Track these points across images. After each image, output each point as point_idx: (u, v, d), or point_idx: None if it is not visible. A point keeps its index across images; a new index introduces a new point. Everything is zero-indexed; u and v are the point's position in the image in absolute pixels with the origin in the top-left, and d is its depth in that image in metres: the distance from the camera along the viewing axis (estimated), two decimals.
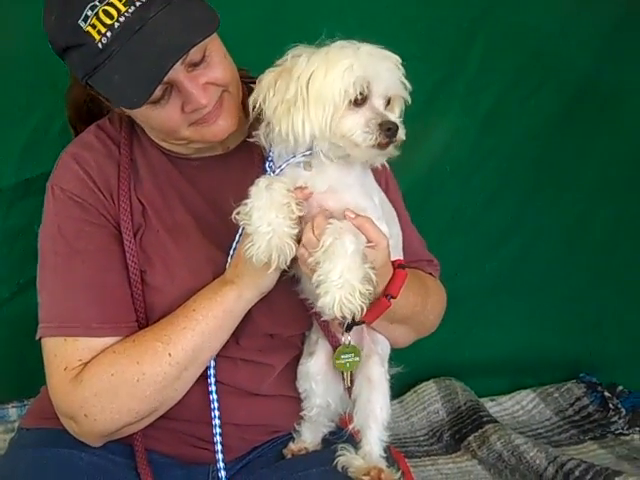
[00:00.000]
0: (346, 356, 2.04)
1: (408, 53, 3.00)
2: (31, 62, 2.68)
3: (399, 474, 2.00)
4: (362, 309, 1.72)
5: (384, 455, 2.03)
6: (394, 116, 1.81)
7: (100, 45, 1.80)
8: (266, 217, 1.77)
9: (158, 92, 1.87)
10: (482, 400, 3.49)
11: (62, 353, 1.97)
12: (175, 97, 1.91)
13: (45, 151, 2.73)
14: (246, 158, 2.10)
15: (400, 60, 1.82)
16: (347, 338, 2.02)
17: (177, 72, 1.86)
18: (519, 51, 3.25)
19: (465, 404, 3.40)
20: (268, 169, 1.93)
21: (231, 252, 1.97)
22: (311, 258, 1.76)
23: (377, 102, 1.78)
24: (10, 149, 2.78)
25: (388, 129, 1.76)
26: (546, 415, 3.55)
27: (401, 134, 1.78)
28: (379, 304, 1.92)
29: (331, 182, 1.86)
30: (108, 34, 1.80)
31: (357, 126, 1.77)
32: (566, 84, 3.35)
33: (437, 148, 3.30)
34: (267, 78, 1.84)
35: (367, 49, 1.79)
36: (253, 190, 1.81)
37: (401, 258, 2.10)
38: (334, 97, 1.76)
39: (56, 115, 2.75)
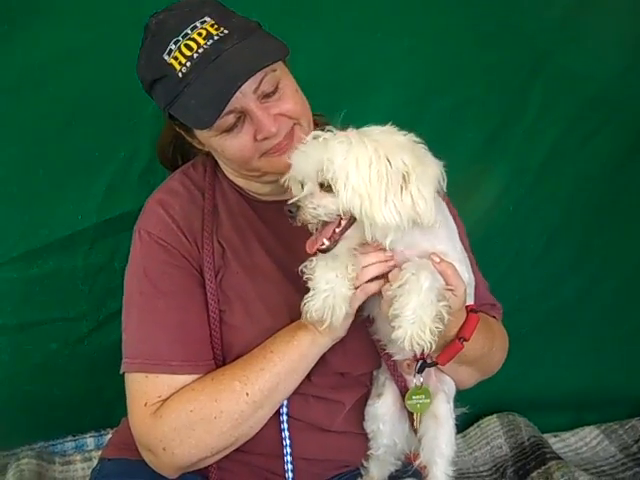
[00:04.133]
0: (417, 397, 2.10)
1: (467, 97, 3.15)
2: (114, 108, 2.79)
3: None
4: (431, 345, 1.79)
5: None
6: (307, 196, 1.86)
7: (180, 74, 1.97)
8: (326, 276, 1.87)
9: (231, 120, 2.01)
10: (545, 436, 3.47)
11: (143, 389, 2.07)
12: (248, 126, 2.03)
13: (125, 193, 2.87)
14: None
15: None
16: (419, 380, 2.08)
17: (249, 101, 2.00)
18: (578, 96, 3.26)
19: (528, 440, 3.37)
20: None
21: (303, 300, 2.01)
22: (389, 292, 1.84)
23: (310, 188, 1.86)
24: (93, 191, 2.87)
25: (288, 210, 1.87)
26: (610, 452, 3.49)
27: (303, 214, 1.85)
28: (452, 346, 1.99)
29: (408, 241, 1.91)
30: (188, 64, 1.96)
31: None
32: (624, 128, 3.35)
33: (498, 188, 3.31)
34: None
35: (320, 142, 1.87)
36: None
37: (472, 302, 2.16)
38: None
39: (136, 159, 2.87)
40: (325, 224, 1.87)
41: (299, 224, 1.85)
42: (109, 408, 2.67)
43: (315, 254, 1.91)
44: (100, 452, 2.53)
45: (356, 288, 1.91)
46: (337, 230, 1.86)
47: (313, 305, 1.87)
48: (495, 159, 3.30)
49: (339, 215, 1.84)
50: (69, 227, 2.89)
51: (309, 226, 1.90)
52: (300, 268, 1.92)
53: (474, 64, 3.16)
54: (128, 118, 2.84)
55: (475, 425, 3.53)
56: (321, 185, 1.85)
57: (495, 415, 3.53)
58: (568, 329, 3.56)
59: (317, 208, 1.83)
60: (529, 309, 3.46)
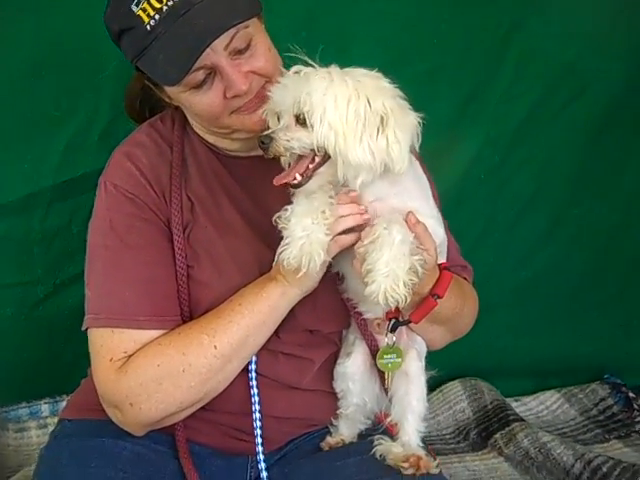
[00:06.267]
0: (389, 356, 2.07)
1: (442, 62, 3.13)
2: (73, 66, 2.71)
3: (436, 462, 2.03)
4: (405, 299, 1.77)
5: (422, 445, 2.07)
6: (281, 128, 1.86)
7: (148, 27, 1.91)
8: (302, 222, 1.84)
9: (200, 76, 1.97)
10: (507, 400, 3.49)
11: (108, 344, 2.02)
12: (218, 83, 1.99)
13: (84, 154, 2.81)
14: None
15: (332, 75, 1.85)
16: (392, 339, 2.06)
17: (220, 58, 1.95)
18: (554, 61, 3.25)
19: (491, 403, 3.40)
20: None
21: (278, 249, 1.98)
22: (362, 248, 1.82)
23: (286, 120, 1.85)
24: (50, 151, 2.80)
25: (261, 141, 1.86)
26: (570, 415, 3.54)
27: (276, 145, 1.84)
28: (426, 303, 1.99)
29: (377, 192, 1.92)
30: (156, 17, 1.90)
31: None
32: (601, 94, 3.35)
33: (471, 155, 3.30)
34: None
35: (302, 73, 1.86)
36: (296, 197, 1.90)
37: (445, 261, 2.15)
38: None
39: (96, 119, 2.80)
40: (299, 159, 1.86)
41: (270, 156, 1.84)
42: (65, 374, 2.62)
43: (288, 197, 1.90)
44: (56, 418, 2.50)
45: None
46: (310, 166, 1.85)
47: (290, 252, 1.83)
48: (469, 125, 3.29)
49: (312, 150, 1.84)
50: (25, 188, 2.83)
51: (282, 160, 1.92)
52: (274, 218, 1.89)
53: (448, 29, 3.14)
54: (89, 76, 2.77)
55: (437, 390, 3.53)
56: (297, 118, 1.83)
57: (457, 380, 3.56)
58: (537, 299, 3.58)
59: (291, 141, 1.82)
60: (500, 278, 3.47)
